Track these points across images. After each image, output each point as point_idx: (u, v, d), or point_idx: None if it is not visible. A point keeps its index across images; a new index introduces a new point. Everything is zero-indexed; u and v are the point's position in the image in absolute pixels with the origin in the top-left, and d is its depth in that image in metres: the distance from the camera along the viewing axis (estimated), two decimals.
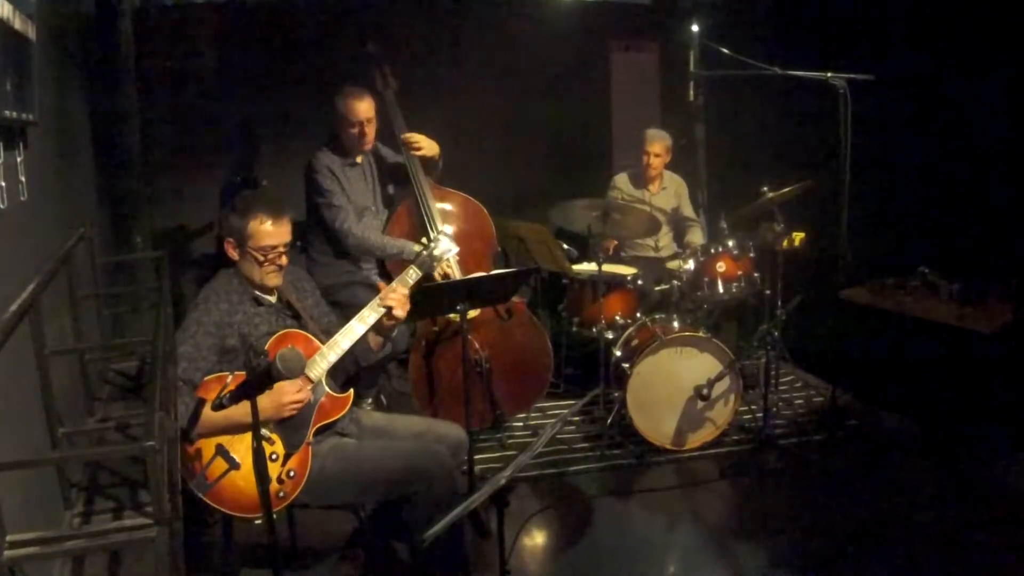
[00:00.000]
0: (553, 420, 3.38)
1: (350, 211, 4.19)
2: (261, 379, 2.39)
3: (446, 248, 3.25)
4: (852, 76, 4.08)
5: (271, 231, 2.87)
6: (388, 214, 4.41)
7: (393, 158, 4.44)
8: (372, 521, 3.17)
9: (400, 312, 3.00)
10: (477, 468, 3.61)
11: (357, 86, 4.23)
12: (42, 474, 2.29)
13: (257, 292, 2.95)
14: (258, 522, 2.70)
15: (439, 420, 3.40)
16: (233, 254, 2.92)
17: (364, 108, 4.16)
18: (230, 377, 2.69)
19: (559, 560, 3.54)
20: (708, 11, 5.80)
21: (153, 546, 1.82)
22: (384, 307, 2.97)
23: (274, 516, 2.56)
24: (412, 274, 3.14)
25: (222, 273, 2.97)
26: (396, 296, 2.99)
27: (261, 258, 2.87)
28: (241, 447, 2.71)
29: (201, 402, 2.65)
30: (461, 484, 3.22)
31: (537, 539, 3.66)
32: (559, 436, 4.46)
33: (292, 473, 2.77)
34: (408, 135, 4.27)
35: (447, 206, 4.37)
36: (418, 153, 4.27)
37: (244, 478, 2.68)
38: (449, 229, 4.30)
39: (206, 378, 2.75)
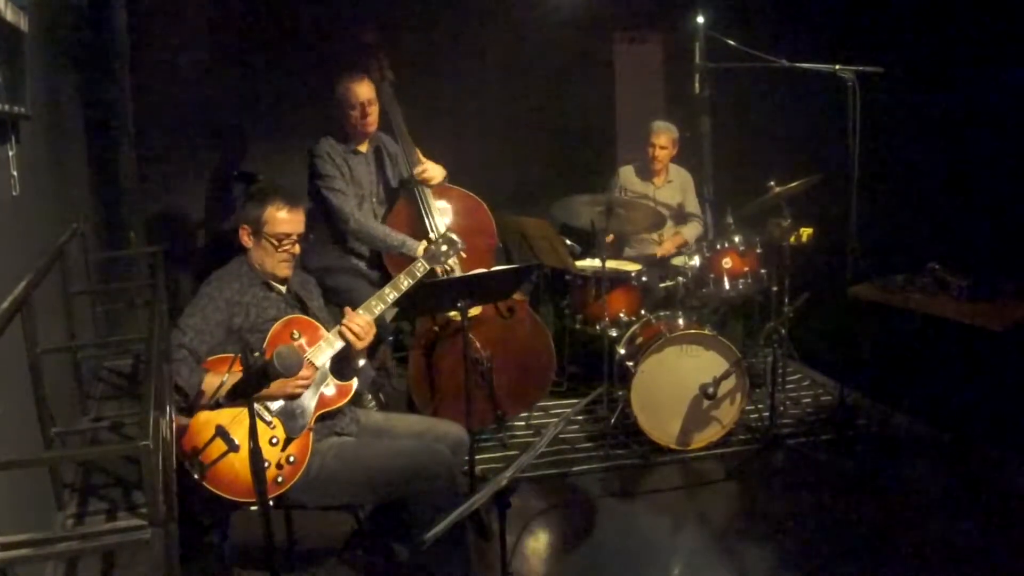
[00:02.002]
0: (556, 419, 3.38)
1: (351, 196, 4.20)
2: (258, 378, 2.39)
3: (455, 244, 3.39)
4: (861, 68, 4.07)
5: (287, 218, 2.98)
6: (387, 209, 4.40)
7: (393, 146, 4.44)
8: (371, 522, 3.17)
9: (357, 341, 2.96)
10: (479, 468, 3.61)
11: (355, 70, 4.23)
12: (34, 474, 2.29)
13: (268, 279, 3.02)
14: (253, 508, 2.70)
15: (439, 419, 3.40)
16: (248, 241, 3.01)
17: (364, 90, 4.18)
18: (228, 375, 2.69)
19: (562, 562, 3.54)
20: (714, 2, 5.78)
21: (148, 548, 1.82)
22: (347, 329, 2.95)
23: (271, 514, 2.56)
24: (420, 267, 3.23)
25: (235, 259, 3.06)
26: (359, 323, 2.97)
27: (275, 243, 2.96)
28: (241, 429, 2.70)
29: (204, 373, 2.72)
30: (462, 484, 3.22)
31: (540, 540, 3.65)
32: (562, 436, 4.46)
33: (292, 459, 2.79)
34: (421, 168, 4.23)
35: (448, 203, 4.36)
36: (432, 184, 4.26)
37: (242, 461, 2.68)
38: (447, 220, 4.30)
39: (211, 358, 2.81)
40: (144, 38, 5.12)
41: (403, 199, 4.36)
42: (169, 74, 5.45)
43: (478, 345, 4.24)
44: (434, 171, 4.27)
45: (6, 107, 2.25)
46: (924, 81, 4.62)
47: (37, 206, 2.79)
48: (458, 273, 4.08)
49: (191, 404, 2.70)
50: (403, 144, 4.33)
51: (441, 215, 4.28)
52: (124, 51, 4.64)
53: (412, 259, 3.76)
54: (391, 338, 4.37)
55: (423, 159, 4.28)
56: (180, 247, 5.66)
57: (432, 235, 4.13)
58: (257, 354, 2.48)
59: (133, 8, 4.82)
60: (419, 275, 3.20)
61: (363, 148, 4.33)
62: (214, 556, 3.08)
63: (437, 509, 2.71)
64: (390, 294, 3.13)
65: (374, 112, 4.23)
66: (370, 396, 4.44)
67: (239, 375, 2.50)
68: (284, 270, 3.02)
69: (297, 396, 2.85)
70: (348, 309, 3.02)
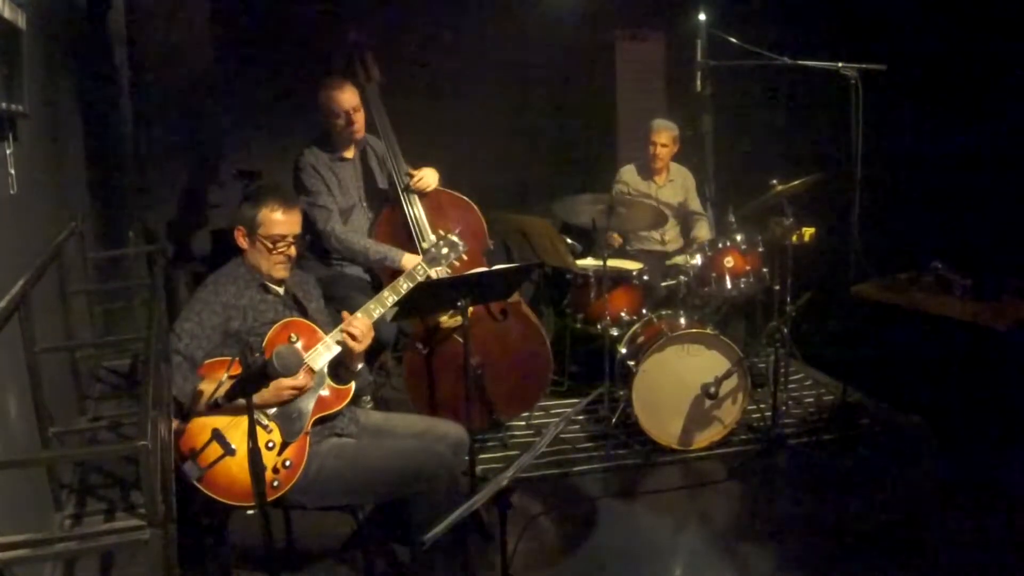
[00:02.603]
0: (556, 419, 3.37)
1: (335, 212, 4.15)
2: (257, 378, 2.39)
3: (455, 247, 3.36)
4: (864, 66, 4.06)
5: (281, 220, 2.94)
6: (376, 213, 4.36)
7: (380, 146, 4.39)
8: (371, 523, 3.16)
9: (356, 345, 2.94)
10: (479, 468, 3.60)
11: (336, 76, 4.18)
12: (32, 475, 2.29)
13: (265, 281, 2.99)
14: (251, 512, 2.70)
15: (439, 419, 3.39)
16: (243, 243, 2.98)
17: (348, 97, 4.11)
18: (225, 376, 2.70)
19: (563, 563, 3.53)
20: None
21: (146, 548, 1.82)
22: (346, 333, 2.94)
23: (269, 513, 2.56)
24: (420, 271, 3.20)
25: (232, 261, 3.03)
26: (358, 326, 2.95)
27: (270, 246, 2.93)
28: (238, 433, 2.70)
29: (199, 381, 2.70)
30: (463, 485, 3.21)
31: (540, 541, 3.65)
32: (562, 436, 4.45)
33: (288, 463, 2.78)
34: (417, 177, 4.18)
35: (436, 206, 4.27)
36: (429, 190, 4.22)
37: (239, 465, 2.67)
38: (435, 224, 4.25)
39: (208, 361, 2.79)
40: (143, 36, 5.12)
41: (390, 206, 4.29)
42: (168, 72, 5.45)
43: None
44: (429, 178, 4.22)
45: (4, 105, 2.25)
46: (927, 79, 4.62)
47: (35, 205, 2.80)
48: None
49: (186, 411, 2.68)
50: (390, 149, 4.26)
51: (429, 220, 4.22)
52: (123, 49, 4.64)
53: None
54: (392, 339, 4.34)
55: (413, 171, 4.21)
56: (179, 246, 5.67)
57: (427, 240, 4.08)
58: (257, 354, 2.48)
59: (132, 5, 4.82)
60: (419, 279, 3.18)
61: (349, 154, 4.28)
62: (212, 557, 3.08)
63: (437, 510, 2.71)
64: (389, 298, 3.10)
65: (360, 119, 4.16)
66: (368, 397, 4.43)
67: (236, 378, 2.49)
68: (280, 271, 2.99)
69: (290, 401, 2.83)
70: (346, 314, 3.01)
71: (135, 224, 4.79)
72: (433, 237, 4.06)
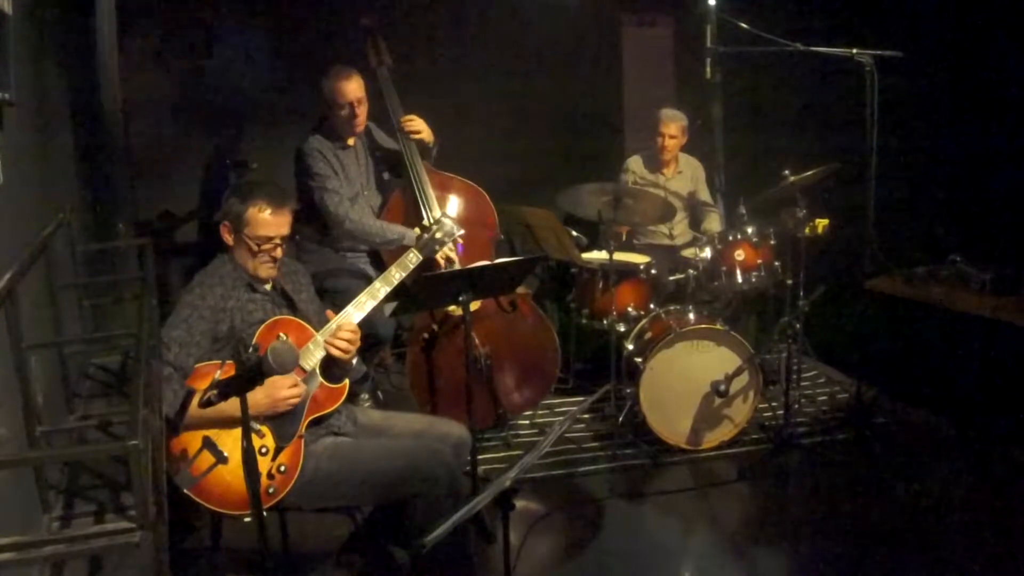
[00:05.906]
0: (561, 418, 3.37)
1: (344, 196, 4.18)
2: (251, 374, 2.38)
3: (450, 230, 3.30)
4: (879, 53, 4.06)
5: (269, 221, 2.90)
6: (383, 200, 4.39)
7: (387, 142, 4.43)
8: (369, 525, 3.17)
9: (344, 356, 2.91)
10: (481, 469, 3.60)
11: (343, 65, 4.20)
12: (19, 475, 2.28)
13: (251, 279, 2.97)
14: (247, 520, 2.70)
15: (440, 418, 3.39)
16: (228, 239, 2.95)
17: (352, 88, 4.14)
18: (219, 372, 2.69)
19: (567, 565, 3.54)
20: None
21: (136, 551, 1.81)
22: (329, 347, 2.91)
23: (264, 516, 2.56)
24: (413, 258, 3.17)
25: (217, 258, 3.00)
26: (344, 336, 2.91)
27: (255, 247, 2.90)
28: (229, 440, 2.70)
29: (191, 392, 2.65)
30: (464, 486, 3.21)
31: (544, 544, 3.65)
32: (567, 435, 4.46)
33: (283, 468, 2.77)
34: (407, 118, 4.25)
35: (446, 192, 4.34)
36: (416, 136, 4.25)
37: (232, 472, 2.67)
38: (446, 210, 4.29)
39: (197, 366, 2.77)
40: (134, 22, 5.11)
41: (399, 189, 4.35)
42: (160, 58, 5.44)
43: (476, 342, 4.22)
44: (420, 123, 4.27)
45: None
46: (945, 65, 4.60)
47: (22, 196, 2.78)
48: (457, 265, 4.07)
49: (175, 425, 2.65)
50: (392, 108, 4.31)
51: (439, 204, 4.25)
52: (113, 36, 4.62)
53: None
54: (391, 335, 4.35)
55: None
56: (170, 239, 5.66)
57: (428, 219, 4.10)
58: (252, 350, 2.47)
59: None
60: (412, 266, 3.14)
61: (351, 142, 4.32)
62: (205, 560, 3.08)
63: (438, 511, 2.71)
64: (380, 289, 3.07)
65: (363, 111, 4.21)
66: (366, 395, 4.43)
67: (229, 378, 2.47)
68: (265, 272, 2.96)
69: (285, 412, 2.81)
70: (330, 312, 2.99)
71: (125, 216, 4.77)
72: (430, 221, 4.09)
